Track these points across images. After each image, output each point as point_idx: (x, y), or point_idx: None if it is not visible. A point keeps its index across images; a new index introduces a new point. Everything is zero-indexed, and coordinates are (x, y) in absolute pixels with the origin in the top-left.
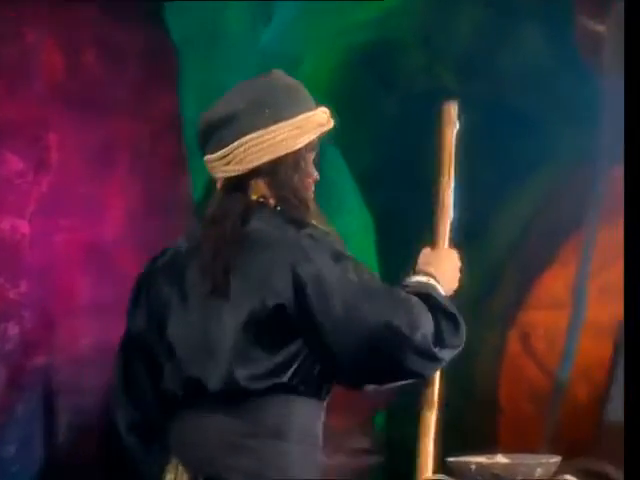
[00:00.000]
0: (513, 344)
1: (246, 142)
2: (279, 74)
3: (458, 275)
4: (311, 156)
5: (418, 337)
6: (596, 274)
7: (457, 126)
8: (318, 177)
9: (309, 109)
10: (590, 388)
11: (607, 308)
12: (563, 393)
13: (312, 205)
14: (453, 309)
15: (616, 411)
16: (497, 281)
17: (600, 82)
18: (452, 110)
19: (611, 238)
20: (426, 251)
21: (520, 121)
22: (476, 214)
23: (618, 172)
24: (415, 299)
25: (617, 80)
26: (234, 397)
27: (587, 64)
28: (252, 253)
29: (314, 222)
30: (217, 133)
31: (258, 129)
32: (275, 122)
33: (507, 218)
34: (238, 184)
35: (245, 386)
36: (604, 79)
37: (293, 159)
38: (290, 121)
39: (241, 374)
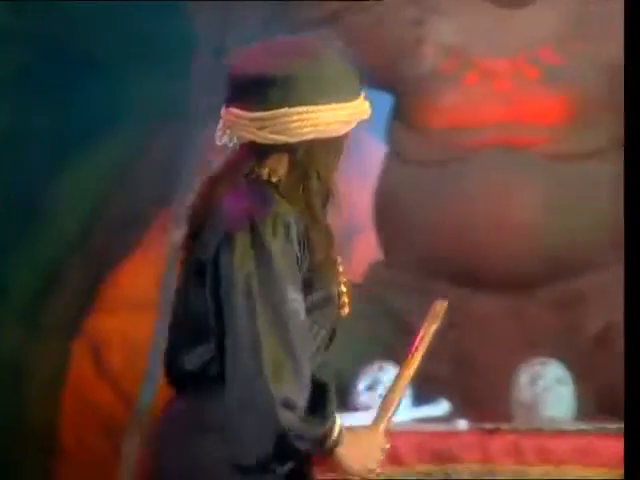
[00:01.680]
0: (79, 360)
1: (296, 114)
2: (339, 49)
3: (375, 457)
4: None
5: None
6: None
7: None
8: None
9: (358, 96)
10: None
11: None
12: (144, 423)
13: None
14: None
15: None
16: (55, 277)
17: (194, 24)
18: (440, 308)
19: None
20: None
21: (89, 67)
22: (24, 186)
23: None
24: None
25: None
26: None
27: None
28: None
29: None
30: (260, 90)
31: (313, 103)
32: (332, 102)
33: (68, 193)
34: (259, 152)
35: None
36: (199, 22)
37: (335, 145)
38: (345, 104)
39: None
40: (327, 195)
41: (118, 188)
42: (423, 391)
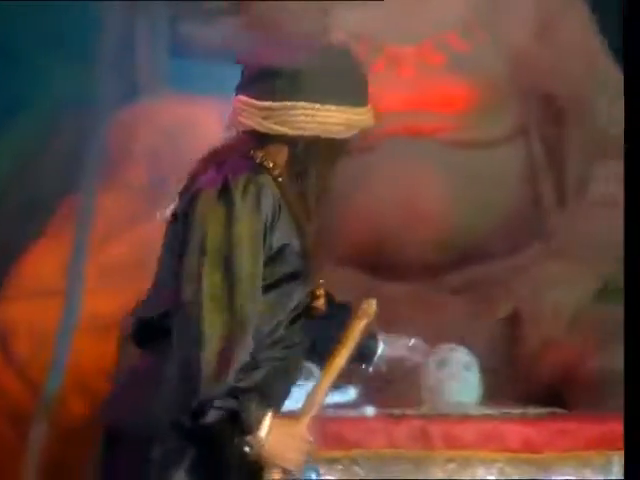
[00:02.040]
0: None
1: (302, 108)
2: (354, 51)
3: (298, 448)
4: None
5: None
6: (97, 251)
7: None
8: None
9: (366, 104)
10: (90, 401)
11: (111, 294)
12: (52, 411)
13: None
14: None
15: None
16: None
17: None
18: (368, 307)
19: (117, 202)
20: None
21: None
22: None
23: (124, 116)
24: None
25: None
26: None
27: None
28: None
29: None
30: (270, 81)
31: (324, 102)
32: (342, 104)
33: None
34: (260, 140)
35: None
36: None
37: (336, 146)
38: (354, 109)
39: None
40: (322, 193)
41: (20, 177)
42: None
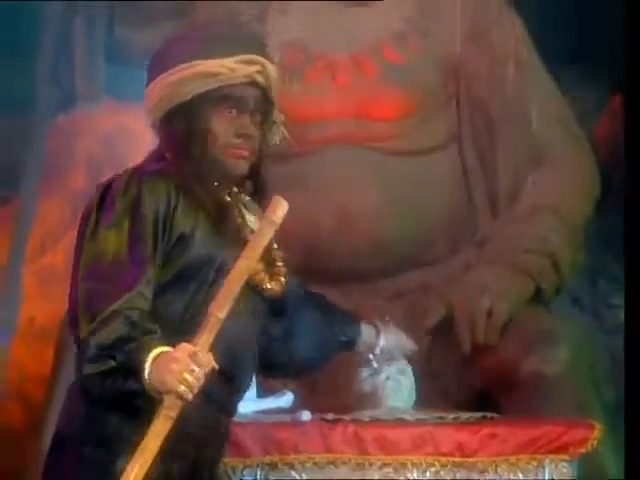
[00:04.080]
0: None
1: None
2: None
3: (184, 371)
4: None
5: None
6: (35, 257)
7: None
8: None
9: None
10: (27, 409)
11: (49, 301)
12: None
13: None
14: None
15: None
16: None
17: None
18: (278, 204)
19: (57, 207)
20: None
21: None
22: None
23: (63, 122)
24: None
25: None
26: None
27: None
28: None
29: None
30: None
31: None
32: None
33: None
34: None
35: None
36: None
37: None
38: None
39: None
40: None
41: None
42: (267, 383)
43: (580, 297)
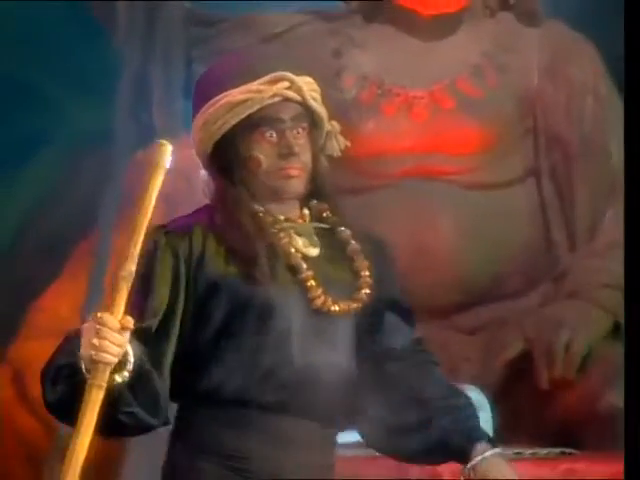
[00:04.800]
0: (3, 387)
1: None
2: None
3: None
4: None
5: None
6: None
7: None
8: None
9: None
10: None
11: None
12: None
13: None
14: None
15: None
16: None
17: (120, 54)
18: (165, 150)
19: None
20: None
21: (11, 92)
22: None
23: (142, 157)
24: None
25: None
26: None
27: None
28: None
29: None
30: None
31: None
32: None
33: None
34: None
35: None
36: (124, 50)
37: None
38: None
39: None
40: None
41: (39, 215)
42: None
43: None
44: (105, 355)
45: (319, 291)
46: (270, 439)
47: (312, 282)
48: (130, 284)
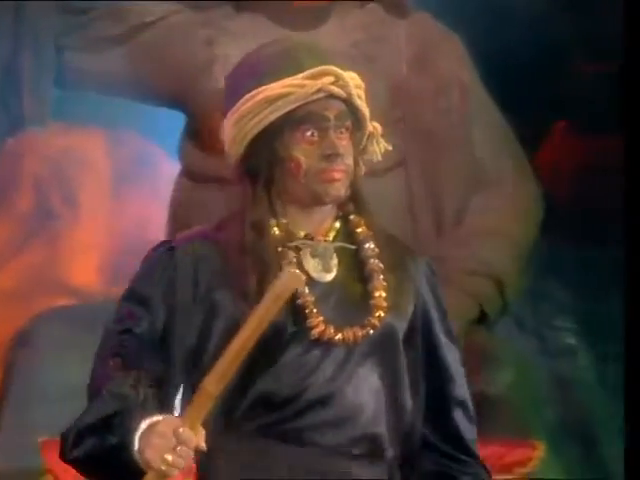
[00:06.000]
0: None
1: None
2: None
3: (166, 449)
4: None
5: None
6: None
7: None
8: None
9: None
10: None
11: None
12: None
13: None
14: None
15: None
16: None
17: None
18: (297, 282)
19: (5, 230)
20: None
21: None
22: None
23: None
24: None
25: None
26: None
27: None
28: None
29: None
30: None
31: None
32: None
33: None
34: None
35: None
36: None
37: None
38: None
39: None
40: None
41: None
42: None
43: (523, 319)
44: (172, 472)
45: (318, 319)
46: (260, 464)
47: (311, 309)
48: (212, 403)
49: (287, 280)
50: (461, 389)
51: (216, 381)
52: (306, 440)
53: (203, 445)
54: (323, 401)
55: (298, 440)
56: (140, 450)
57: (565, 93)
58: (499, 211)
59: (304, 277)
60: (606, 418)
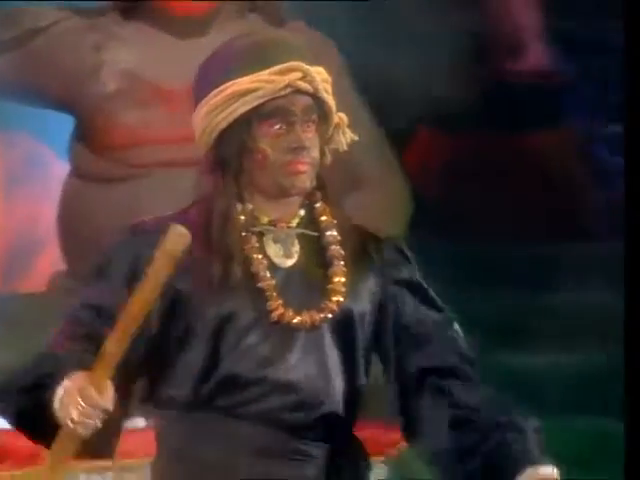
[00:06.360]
0: None
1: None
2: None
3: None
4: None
5: None
6: None
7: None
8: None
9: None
10: None
11: None
12: None
13: None
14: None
15: None
16: None
17: None
18: (183, 241)
19: None
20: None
21: None
22: None
23: None
24: None
25: None
26: None
27: None
28: None
29: None
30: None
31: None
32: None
33: None
34: None
35: None
36: None
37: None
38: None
39: None
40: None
41: None
42: None
43: None
44: (81, 429)
45: (277, 302)
46: (230, 445)
47: (271, 292)
48: (115, 363)
49: (173, 237)
50: (452, 357)
51: (116, 341)
52: (271, 421)
53: (109, 405)
54: (286, 384)
55: (263, 421)
56: (57, 408)
57: (429, 97)
58: (370, 209)
59: (189, 235)
60: None
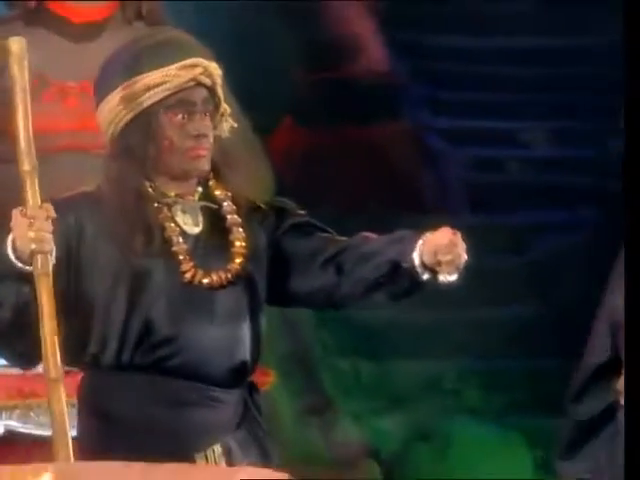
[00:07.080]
0: None
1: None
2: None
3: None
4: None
5: None
6: None
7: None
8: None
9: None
10: None
11: None
12: None
13: None
14: None
15: None
16: None
17: None
18: (21, 46)
19: None
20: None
21: None
22: None
23: None
24: None
25: None
26: None
27: None
28: None
29: None
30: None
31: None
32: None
33: None
34: None
35: None
36: None
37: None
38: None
39: None
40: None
41: None
42: None
43: None
44: (45, 245)
45: (189, 265)
46: (152, 399)
47: (184, 256)
48: (36, 177)
49: (16, 44)
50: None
51: (23, 159)
52: (188, 375)
53: (52, 213)
54: (199, 339)
55: (180, 375)
56: (13, 251)
57: (290, 93)
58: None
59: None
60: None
